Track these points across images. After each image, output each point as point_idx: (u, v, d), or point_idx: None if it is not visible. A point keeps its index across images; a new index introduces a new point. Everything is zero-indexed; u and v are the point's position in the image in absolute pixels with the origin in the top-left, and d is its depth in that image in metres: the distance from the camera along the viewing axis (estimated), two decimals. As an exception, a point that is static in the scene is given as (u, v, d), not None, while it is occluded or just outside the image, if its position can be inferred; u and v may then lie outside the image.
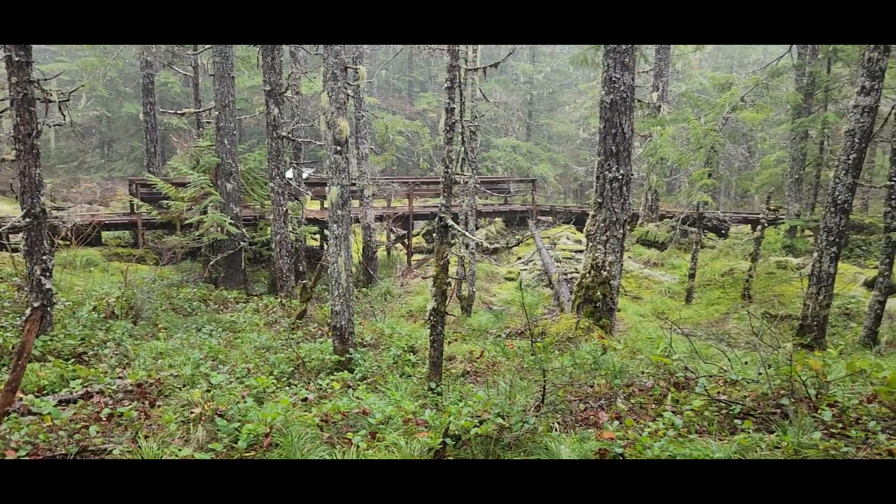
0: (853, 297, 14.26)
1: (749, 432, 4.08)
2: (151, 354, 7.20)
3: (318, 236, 17.61)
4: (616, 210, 9.84)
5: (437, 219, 6.35)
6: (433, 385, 6.42)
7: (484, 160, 39.41)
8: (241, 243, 13.60)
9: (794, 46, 22.14)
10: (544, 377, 4.90)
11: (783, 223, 20.28)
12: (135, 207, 15.88)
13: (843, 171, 9.61)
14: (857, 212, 21.93)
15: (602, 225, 9.90)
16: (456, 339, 9.78)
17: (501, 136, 39.29)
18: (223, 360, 7.23)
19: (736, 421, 4.45)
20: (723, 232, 22.21)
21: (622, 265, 10.33)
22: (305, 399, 5.29)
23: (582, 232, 22.68)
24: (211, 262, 13.23)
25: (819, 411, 4.22)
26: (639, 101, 9.76)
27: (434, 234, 6.39)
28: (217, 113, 13.18)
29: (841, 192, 9.68)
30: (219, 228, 12.99)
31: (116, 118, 34.52)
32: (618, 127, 9.65)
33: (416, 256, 20.30)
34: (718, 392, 5.29)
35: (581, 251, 19.62)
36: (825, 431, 3.94)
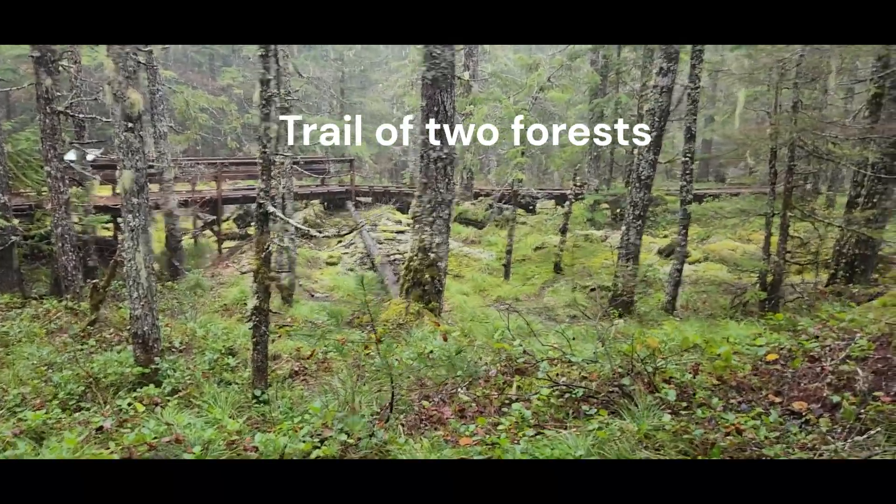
0: (650, 265, 15.55)
1: (602, 420, 3.98)
2: None
3: (110, 226, 15.57)
4: (441, 190, 9.64)
5: (255, 205, 5.62)
6: (258, 392, 5.73)
7: (297, 139, 37.89)
8: (13, 237, 11.53)
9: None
10: (392, 383, 4.46)
11: (584, 198, 21.70)
12: None
13: (646, 148, 10.23)
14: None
15: (428, 206, 9.66)
16: (279, 335, 9.03)
17: (315, 114, 38.00)
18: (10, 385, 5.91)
19: (584, 406, 4.35)
20: (531, 208, 23.30)
21: (448, 246, 10.20)
22: (101, 428, 4.38)
23: (401, 213, 22.58)
24: (-28, 262, 11.06)
25: (661, 389, 4.24)
26: (458, 78, 9.56)
27: (251, 221, 5.65)
28: (-30, 83, 10.97)
29: (644, 168, 10.32)
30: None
31: None
32: (440, 104, 9.41)
33: (228, 244, 18.85)
34: (558, 375, 5.23)
35: (402, 232, 19.46)
36: (671, 412, 3.94)
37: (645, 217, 10.56)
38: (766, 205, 10.00)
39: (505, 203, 18.49)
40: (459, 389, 5.45)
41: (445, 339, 5.99)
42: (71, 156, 17.28)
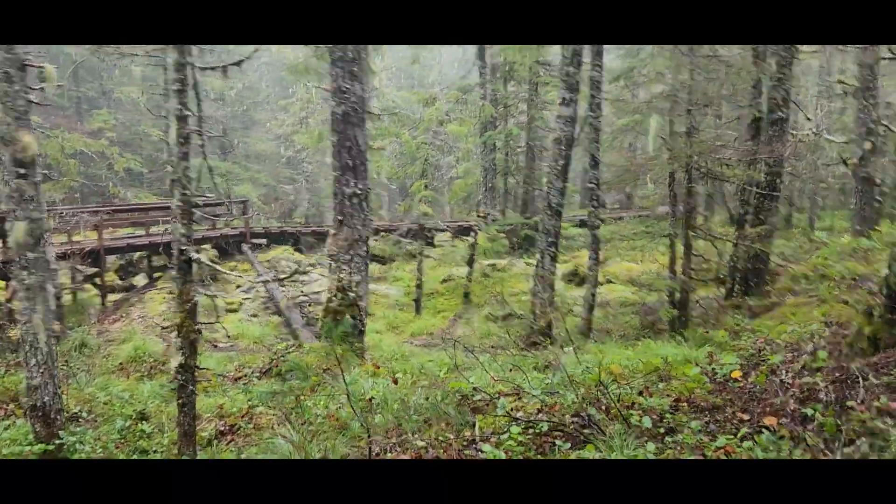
0: (555, 290, 15.90)
1: (580, 454, 3.85)
2: None
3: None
4: (358, 227, 9.38)
5: (177, 252, 5.14)
6: (186, 459, 5.17)
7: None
8: None
9: (476, 66, 24.31)
10: (368, 433, 4.10)
11: (482, 229, 22.03)
12: None
13: (555, 177, 10.47)
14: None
15: (344, 244, 9.35)
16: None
17: (195, 156, 36.34)
18: None
19: (556, 442, 4.20)
20: (429, 241, 23.33)
21: (367, 284, 9.90)
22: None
23: (300, 253, 21.89)
24: None
25: (628, 416, 4.18)
26: (368, 112, 9.41)
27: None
28: None
29: (555, 196, 10.54)
30: None
31: None
32: (352, 140, 9.19)
33: (111, 297, 17.43)
34: (513, 409, 5.07)
35: (304, 272, 18.82)
36: (654, 439, 3.87)
37: (558, 244, 10.75)
38: (669, 226, 10.47)
39: (411, 237, 18.37)
40: (411, 434, 5.17)
41: (396, 383, 5.69)
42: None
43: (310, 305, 15.97)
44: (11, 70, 5.22)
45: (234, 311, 16.10)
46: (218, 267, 5.67)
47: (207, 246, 20.56)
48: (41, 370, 5.50)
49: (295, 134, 26.16)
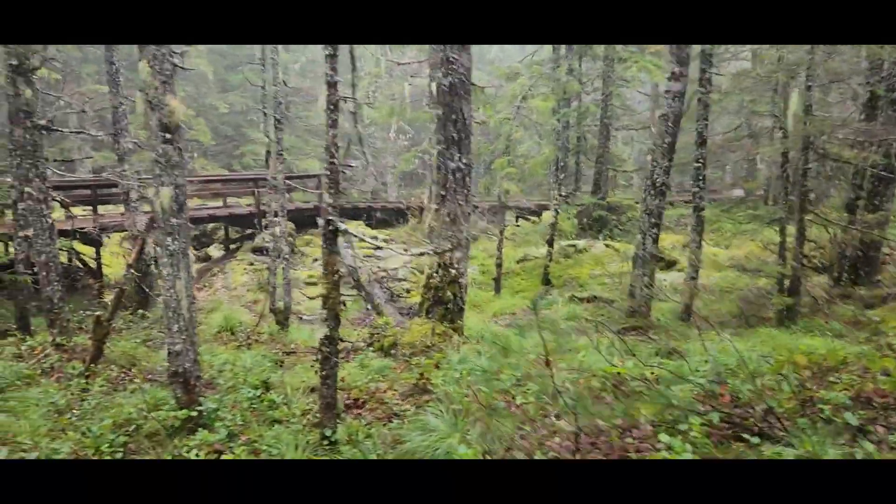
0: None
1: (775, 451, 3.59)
2: None
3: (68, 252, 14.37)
4: (461, 202, 9.18)
5: (324, 222, 5.03)
6: (328, 432, 5.11)
7: (242, 155, 36.63)
8: (-28, 268, 10.38)
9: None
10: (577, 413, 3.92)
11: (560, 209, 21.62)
12: None
13: (660, 155, 10.06)
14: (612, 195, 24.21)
15: (447, 219, 9.16)
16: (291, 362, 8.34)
17: (257, 130, 36.82)
18: (4, 441, 5.05)
19: (743, 436, 3.95)
20: (519, 219, 23.05)
21: (468, 261, 9.74)
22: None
23: (370, 228, 21.92)
24: (-72, 297, 9.87)
25: (825, 410, 3.90)
26: (473, 84, 9.17)
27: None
28: (-79, 97, 9.81)
29: (659, 175, 10.14)
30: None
31: None
32: (458, 112, 8.98)
33: (193, 266, 17.77)
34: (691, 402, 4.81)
35: (380, 248, 18.83)
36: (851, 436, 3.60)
37: (661, 225, 10.36)
38: (781, 209, 9.97)
39: (491, 215, 18.12)
40: (556, 418, 5.00)
41: (548, 364, 5.50)
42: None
43: (388, 281, 15.96)
44: (161, 34, 5.15)
45: (314, 284, 16.20)
46: (367, 238, 5.55)
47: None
48: (183, 336, 5.51)
49: (360, 108, 25.97)
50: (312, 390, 6.82)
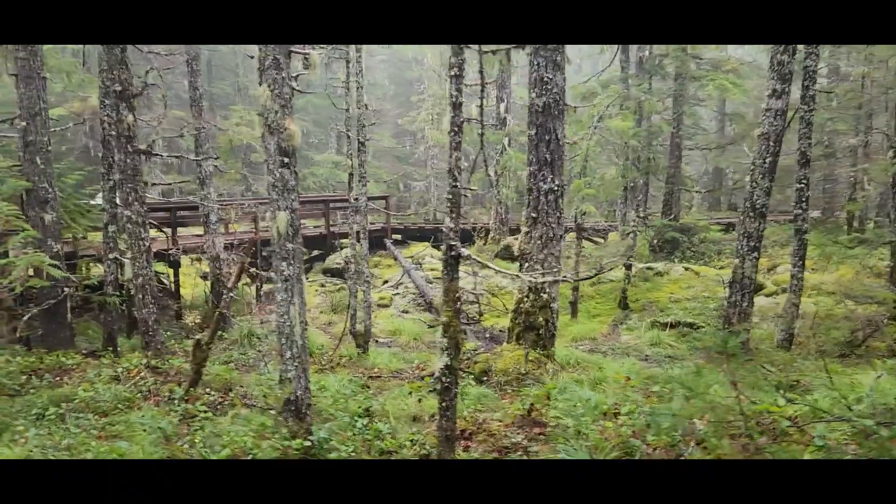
0: (722, 298, 14.82)
1: None
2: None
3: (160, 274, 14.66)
4: (553, 225, 8.93)
5: (446, 247, 4.84)
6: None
7: (304, 178, 37.21)
8: (66, 289, 10.63)
9: (618, 60, 23.38)
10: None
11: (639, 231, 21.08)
12: None
13: (760, 175, 9.60)
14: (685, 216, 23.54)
15: (539, 242, 8.92)
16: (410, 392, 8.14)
17: (322, 152, 37.39)
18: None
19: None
20: (594, 240, 22.58)
21: (558, 286, 9.45)
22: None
23: (438, 249, 21.79)
24: (26, 317, 10.12)
25: None
26: (567, 105, 8.93)
27: (443, 270, 4.87)
28: (24, 124, 10.16)
29: (759, 196, 9.66)
30: (33, 272, 10.00)
31: None
32: (551, 133, 8.76)
33: (265, 287, 17.94)
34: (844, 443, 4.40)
35: (516, 276, 18.68)
36: None
37: (760, 248, 9.86)
38: (891, 231, 9.37)
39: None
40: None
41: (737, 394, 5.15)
42: (100, 200, 16.42)
43: (462, 304, 15.73)
44: (280, 57, 5.11)
45: (386, 306, 16.13)
46: (491, 265, 5.34)
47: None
48: (296, 363, 5.39)
49: (422, 130, 26.08)
50: (415, 419, 6.62)
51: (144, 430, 5.94)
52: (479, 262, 4.80)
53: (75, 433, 5.80)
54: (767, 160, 9.52)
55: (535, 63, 8.65)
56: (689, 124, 23.10)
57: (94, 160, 19.63)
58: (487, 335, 13.84)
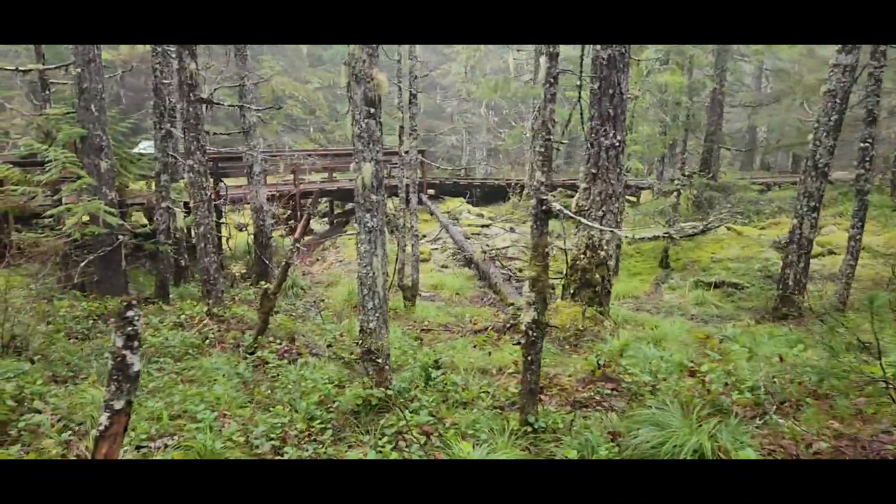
0: (766, 258, 14.68)
1: None
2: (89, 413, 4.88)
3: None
4: (612, 182, 8.82)
5: (536, 202, 4.79)
6: (531, 419, 4.93)
7: (335, 128, 37.08)
8: (121, 237, 10.77)
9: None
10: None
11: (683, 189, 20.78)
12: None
13: (824, 133, 9.37)
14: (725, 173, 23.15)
15: (598, 199, 8.84)
16: (438, 337, 8.22)
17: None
18: (233, 412, 5.08)
19: None
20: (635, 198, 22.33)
21: (620, 243, 9.38)
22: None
23: (473, 205, 21.72)
24: (83, 263, 10.30)
25: None
26: (631, 57, 8.72)
27: (532, 224, 4.84)
28: (79, 71, 10.15)
29: (822, 156, 9.45)
30: (88, 219, 10.16)
31: None
32: (615, 87, 8.58)
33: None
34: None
35: (487, 226, 18.63)
36: None
37: (819, 208, 9.68)
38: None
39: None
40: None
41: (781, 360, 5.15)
42: (144, 146, 16.48)
43: (500, 260, 15.75)
44: (368, 4, 5.00)
45: (425, 260, 16.17)
46: (584, 220, 5.30)
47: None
48: (377, 314, 5.44)
49: (462, 83, 25.70)
50: (483, 372, 6.69)
51: (224, 376, 6.07)
52: (572, 217, 4.75)
53: (157, 377, 5.95)
54: (833, 118, 9.27)
55: (601, 14, 8.40)
56: (731, 80, 22.52)
57: (126, 109, 19.63)
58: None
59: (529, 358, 4.97)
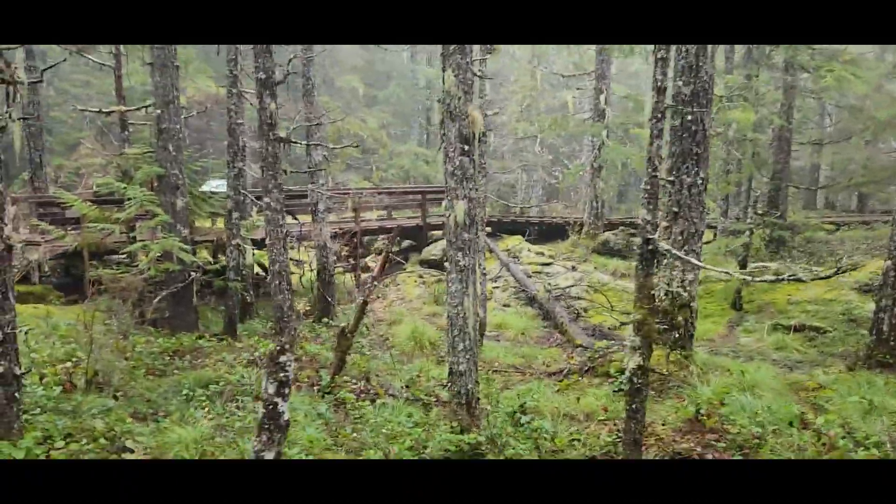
0: (848, 301, 13.96)
1: None
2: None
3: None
4: (695, 220, 8.51)
5: (642, 241, 4.57)
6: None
7: (388, 167, 37.55)
8: (193, 273, 10.92)
9: (722, 50, 22.40)
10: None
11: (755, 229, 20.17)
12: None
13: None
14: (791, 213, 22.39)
15: (679, 238, 8.51)
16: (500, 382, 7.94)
17: (403, 143, 37.60)
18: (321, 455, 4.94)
19: None
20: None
21: (698, 281, 9.02)
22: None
23: (532, 244, 21.47)
24: (157, 299, 10.45)
25: None
26: (714, 94, 8.49)
27: (638, 264, 4.61)
28: (159, 112, 10.46)
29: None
30: (163, 256, 10.32)
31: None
32: (698, 123, 8.32)
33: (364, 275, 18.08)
34: None
35: (548, 264, 18.34)
36: None
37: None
38: None
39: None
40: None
41: None
42: (214, 184, 16.89)
43: (564, 299, 15.40)
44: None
45: (486, 299, 15.95)
46: (692, 260, 5.07)
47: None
48: (467, 356, 5.25)
49: (519, 120, 25.73)
50: (569, 417, 6.41)
51: (305, 416, 5.95)
52: (680, 257, 4.52)
53: (241, 416, 5.86)
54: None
55: (684, 49, 8.24)
56: (798, 118, 21.93)
57: (191, 148, 20.21)
58: (592, 332, 13.45)
59: (634, 406, 4.69)
